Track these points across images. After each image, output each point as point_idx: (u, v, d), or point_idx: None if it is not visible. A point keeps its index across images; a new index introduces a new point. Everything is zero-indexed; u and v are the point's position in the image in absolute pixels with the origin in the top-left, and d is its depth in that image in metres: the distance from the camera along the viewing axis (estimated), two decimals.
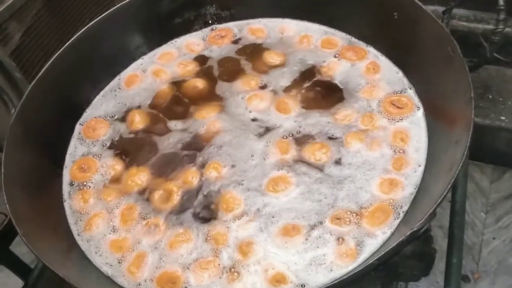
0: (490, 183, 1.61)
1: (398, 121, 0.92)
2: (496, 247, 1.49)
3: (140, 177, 0.95)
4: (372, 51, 1.05)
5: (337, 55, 1.06)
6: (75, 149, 1.03)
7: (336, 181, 0.87)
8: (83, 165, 0.99)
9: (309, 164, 0.90)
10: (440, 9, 1.19)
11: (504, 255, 1.46)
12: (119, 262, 0.85)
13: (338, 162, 0.90)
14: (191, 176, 0.92)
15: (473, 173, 1.61)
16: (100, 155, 1.01)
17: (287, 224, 0.83)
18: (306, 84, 1.03)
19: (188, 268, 0.82)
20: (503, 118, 1.47)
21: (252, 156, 0.93)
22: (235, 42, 1.15)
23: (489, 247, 1.49)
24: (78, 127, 1.06)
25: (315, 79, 1.03)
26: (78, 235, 0.91)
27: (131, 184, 0.94)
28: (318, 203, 0.85)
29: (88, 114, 1.08)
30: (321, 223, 0.82)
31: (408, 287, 1.23)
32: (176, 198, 0.90)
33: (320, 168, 0.89)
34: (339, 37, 1.09)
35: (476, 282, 1.43)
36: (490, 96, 1.50)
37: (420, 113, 0.92)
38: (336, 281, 0.73)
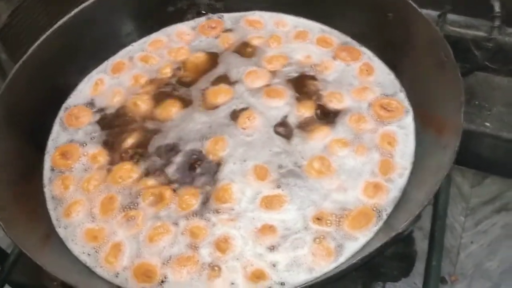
0: (470, 188, 1.63)
1: (386, 125, 0.92)
2: (473, 251, 1.50)
3: (130, 173, 0.92)
4: (366, 52, 1.04)
5: (333, 55, 1.05)
6: (57, 135, 1.01)
7: (320, 182, 0.86)
8: (65, 152, 0.97)
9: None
10: (433, 13, 1.19)
11: (481, 259, 1.48)
12: (96, 252, 0.84)
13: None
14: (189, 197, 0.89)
15: (455, 177, 1.62)
16: (84, 143, 0.99)
17: (265, 223, 0.83)
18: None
19: (167, 263, 0.81)
20: (487, 124, 1.48)
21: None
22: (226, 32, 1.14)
23: (467, 251, 1.51)
24: (61, 114, 1.04)
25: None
26: (57, 220, 0.89)
27: (118, 180, 0.92)
28: (300, 204, 0.84)
29: (72, 100, 1.06)
30: (301, 222, 0.82)
31: (386, 287, 1.24)
32: (168, 204, 0.88)
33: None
34: (335, 36, 1.08)
35: (453, 285, 1.45)
36: (477, 102, 1.51)
37: (409, 117, 0.92)
38: (316, 280, 0.73)
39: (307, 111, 0.96)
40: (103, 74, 1.09)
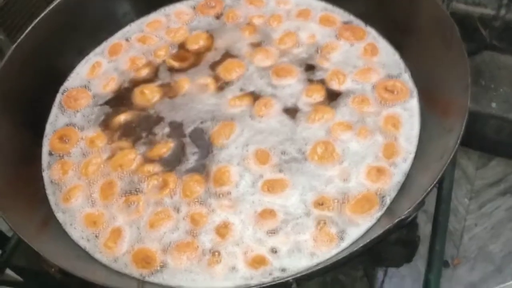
0: (475, 170, 1.61)
1: (390, 107, 0.90)
2: (477, 233, 1.50)
3: (131, 161, 0.90)
4: (370, 31, 1.01)
5: (336, 35, 1.02)
6: (56, 118, 0.99)
7: (322, 168, 0.85)
8: (63, 136, 0.96)
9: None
10: None
11: (484, 242, 1.47)
12: (96, 237, 0.83)
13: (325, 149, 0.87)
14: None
15: (460, 159, 1.61)
16: (82, 126, 0.97)
17: (265, 208, 0.81)
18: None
19: (167, 249, 0.80)
20: (493, 105, 1.46)
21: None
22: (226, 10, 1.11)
23: (470, 233, 1.50)
24: (59, 96, 1.02)
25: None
26: (56, 205, 0.88)
27: (118, 169, 0.90)
28: (302, 188, 0.83)
29: (70, 82, 1.04)
30: (302, 207, 0.81)
31: (387, 271, 1.24)
32: (172, 191, 0.86)
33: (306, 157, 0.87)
34: (338, 14, 1.05)
35: (456, 268, 1.44)
36: (483, 82, 1.49)
37: (414, 99, 0.90)
38: (317, 267, 0.72)
39: (317, 94, 0.94)
40: (100, 57, 1.07)
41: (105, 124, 0.97)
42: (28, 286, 1.08)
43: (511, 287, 1.01)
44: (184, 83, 1.00)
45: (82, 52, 1.08)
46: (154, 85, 1.01)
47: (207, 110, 0.95)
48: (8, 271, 1.02)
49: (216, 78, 0.99)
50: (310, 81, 0.96)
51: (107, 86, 1.02)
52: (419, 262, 1.12)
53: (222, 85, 0.98)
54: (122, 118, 0.97)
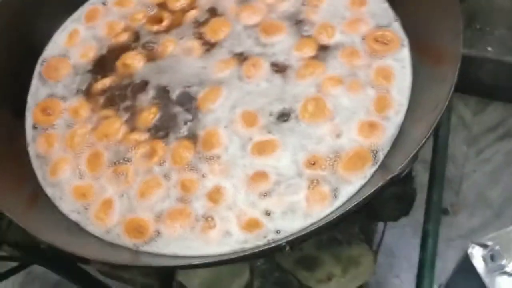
0: (473, 116, 1.59)
1: (381, 58, 0.86)
2: (476, 180, 1.49)
3: (116, 130, 0.88)
4: None
5: None
6: (37, 90, 0.96)
7: (313, 126, 0.82)
8: (46, 108, 0.93)
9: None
10: None
11: (483, 188, 1.47)
12: (86, 209, 0.82)
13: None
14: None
15: (457, 105, 1.58)
16: (65, 97, 0.94)
17: (257, 170, 0.79)
18: None
19: (159, 218, 0.78)
20: (489, 49, 1.42)
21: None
22: None
23: (469, 180, 1.50)
24: (38, 67, 0.99)
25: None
26: (44, 179, 0.87)
27: (103, 139, 0.88)
28: (293, 148, 0.81)
29: (49, 52, 1.00)
30: (294, 168, 0.79)
31: (387, 222, 1.23)
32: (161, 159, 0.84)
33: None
34: None
35: (455, 215, 1.45)
36: (478, 26, 1.44)
37: (405, 49, 0.86)
38: (311, 227, 0.71)
39: (307, 49, 0.90)
40: (77, 24, 1.03)
41: (88, 93, 0.94)
42: (25, 260, 1.08)
43: (510, 232, 1.01)
44: (168, 45, 0.96)
45: (59, 20, 1.04)
46: (135, 52, 0.97)
47: (193, 73, 0.92)
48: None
49: (202, 40, 0.95)
50: (300, 35, 0.92)
51: (87, 55, 0.98)
52: (419, 211, 1.12)
53: (208, 47, 0.94)
54: (104, 85, 0.94)
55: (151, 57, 0.96)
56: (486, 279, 0.95)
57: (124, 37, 0.99)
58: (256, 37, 0.93)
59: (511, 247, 0.97)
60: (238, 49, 0.92)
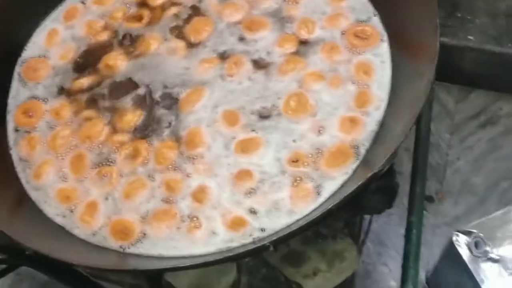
0: (455, 104, 1.60)
1: (361, 54, 0.87)
2: (460, 167, 1.51)
3: (99, 132, 0.87)
4: None
5: None
6: (17, 92, 0.95)
7: (296, 122, 0.83)
8: (28, 110, 0.92)
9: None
10: None
11: (467, 175, 1.49)
12: (71, 212, 0.82)
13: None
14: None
15: (439, 94, 1.59)
16: (46, 98, 0.93)
17: (241, 169, 0.80)
18: None
19: (144, 219, 0.79)
20: (470, 37, 1.43)
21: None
22: None
23: (453, 168, 1.52)
24: (18, 68, 0.97)
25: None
26: (27, 183, 0.86)
27: (86, 140, 0.87)
28: (276, 146, 0.81)
29: (28, 52, 0.99)
30: (278, 166, 0.79)
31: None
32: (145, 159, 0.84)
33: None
34: None
35: (440, 202, 1.47)
36: (459, 14, 1.45)
37: (384, 44, 0.86)
38: (296, 225, 0.71)
39: (289, 45, 0.90)
40: (57, 23, 1.01)
41: (69, 94, 0.93)
42: (13, 263, 1.08)
43: (495, 218, 1.03)
44: (151, 43, 0.95)
45: (37, 19, 1.02)
46: (117, 52, 0.96)
47: (176, 73, 0.91)
48: None
49: (184, 39, 0.95)
50: (283, 32, 0.92)
51: (66, 56, 0.97)
52: (405, 199, 1.13)
53: (191, 47, 0.94)
54: (83, 84, 0.93)
55: (133, 56, 0.95)
56: (470, 266, 0.97)
57: (104, 36, 0.98)
58: (240, 34, 0.93)
59: (495, 234, 0.99)
60: (222, 48, 0.92)
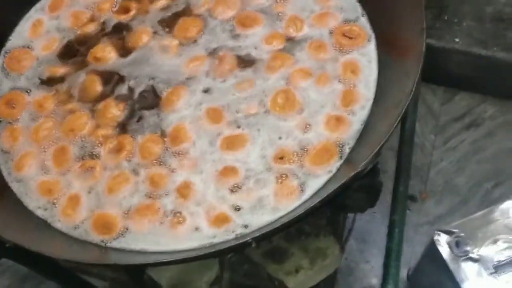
0: (441, 105, 1.61)
1: (348, 53, 0.87)
2: (443, 168, 1.52)
3: (83, 125, 0.86)
4: None
5: None
6: (0, 83, 0.94)
7: (282, 119, 0.83)
8: (10, 101, 0.91)
9: None
10: None
11: (450, 175, 1.50)
12: (53, 205, 0.81)
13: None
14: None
15: (425, 95, 1.60)
16: (29, 89, 0.92)
17: (227, 165, 0.79)
18: None
19: (127, 214, 0.78)
20: (457, 40, 1.44)
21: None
22: None
23: (436, 168, 1.53)
24: (1, 58, 0.96)
25: None
26: (9, 174, 0.85)
27: (69, 134, 0.86)
28: (262, 143, 0.81)
29: (12, 42, 0.98)
30: (263, 163, 0.79)
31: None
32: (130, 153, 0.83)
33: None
34: None
35: (423, 202, 1.48)
36: (446, 17, 1.46)
37: (371, 44, 0.87)
38: (279, 222, 0.71)
39: (276, 41, 0.90)
40: (41, 14, 1.00)
41: (53, 86, 0.92)
42: None
43: (476, 218, 1.04)
44: (139, 37, 0.94)
45: (23, 9, 1.01)
46: (104, 44, 0.95)
47: (163, 70, 0.90)
48: None
49: (175, 36, 0.94)
50: (272, 28, 0.92)
51: (50, 47, 0.95)
52: (389, 197, 1.14)
53: (180, 44, 0.93)
54: (70, 77, 0.92)
55: (121, 49, 0.94)
56: (451, 265, 0.98)
57: (91, 28, 0.97)
58: (231, 30, 0.93)
59: (476, 234, 1.00)
60: (213, 45, 0.92)
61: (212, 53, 0.91)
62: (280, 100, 0.84)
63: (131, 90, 0.89)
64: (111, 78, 0.91)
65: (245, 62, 0.89)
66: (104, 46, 0.94)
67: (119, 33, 0.96)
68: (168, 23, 0.95)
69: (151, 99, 0.87)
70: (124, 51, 0.94)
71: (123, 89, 0.90)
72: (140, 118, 0.86)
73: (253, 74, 0.87)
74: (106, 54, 0.93)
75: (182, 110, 0.85)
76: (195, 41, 0.93)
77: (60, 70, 0.93)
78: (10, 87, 0.93)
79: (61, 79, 0.92)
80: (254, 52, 0.90)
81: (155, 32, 0.95)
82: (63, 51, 0.95)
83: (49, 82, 0.92)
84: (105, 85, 0.90)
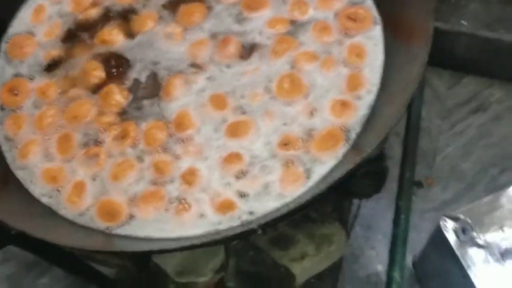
0: (447, 89, 1.60)
1: (353, 37, 0.85)
2: (449, 153, 1.51)
3: (86, 112, 0.86)
4: None
5: None
6: (2, 70, 0.93)
7: (285, 103, 0.82)
8: (13, 88, 0.90)
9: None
10: None
11: (456, 161, 1.49)
12: (58, 192, 0.80)
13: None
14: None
15: (431, 79, 1.59)
16: (32, 76, 0.91)
17: (231, 152, 0.79)
18: None
19: (132, 201, 0.78)
20: (463, 22, 1.42)
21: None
22: None
23: (443, 153, 1.52)
24: (3, 45, 0.95)
25: None
26: (13, 162, 0.85)
27: (73, 120, 0.86)
28: (266, 129, 0.80)
29: (14, 28, 0.97)
30: (268, 149, 0.78)
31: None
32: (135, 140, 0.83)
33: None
34: None
35: (429, 188, 1.47)
36: (452, 0, 1.44)
37: (377, 27, 0.85)
38: (284, 209, 0.71)
39: (280, 25, 0.89)
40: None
41: (56, 72, 0.91)
42: None
43: (482, 204, 1.04)
44: (144, 21, 0.93)
45: None
46: (111, 27, 0.93)
47: (167, 57, 0.89)
48: None
49: (178, 21, 0.93)
50: (277, 12, 0.90)
51: (53, 33, 0.94)
52: (394, 183, 1.13)
53: (184, 30, 0.92)
54: (73, 63, 0.91)
55: (127, 32, 0.93)
56: (457, 251, 0.98)
57: (92, 12, 0.96)
58: (238, 14, 0.91)
59: (482, 220, 1.00)
60: (217, 29, 0.90)
61: (216, 37, 0.90)
62: (285, 84, 0.83)
63: (134, 76, 0.88)
64: (115, 63, 0.90)
65: (249, 47, 0.87)
66: (111, 29, 0.93)
67: (124, 17, 0.95)
68: (172, 8, 0.94)
69: (152, 87, 0.87)
70: (130, 34, 0.93)
71: (126, 75, 0.89)
72: (142, 106, 0.85)
73: (258, 60, 0.86)
74: (114, 37, 0.92)
75: (182, 98, 0.84)
76: (199, 26, 0.92)
77: (63, 55, 0.92)
78: (12, 74, 0.92)
79: (64, 65, 0.91)
80: (258, 37, 0.88)
81: (160, 17, 0.94)
82: (66, 36, 0.94)
83: (52, 68, 0.91)
84: (108, 71, 0.90)
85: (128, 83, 0.88)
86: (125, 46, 0.92)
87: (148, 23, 0.93)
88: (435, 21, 0.72)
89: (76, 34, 0.95)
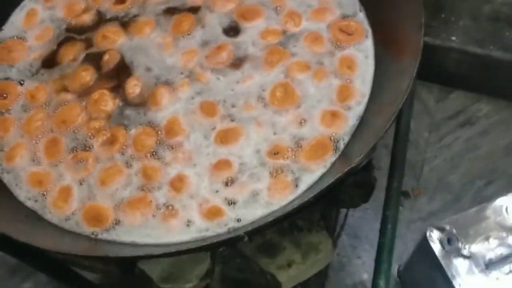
0: (436, 103, 1.62)
1: (345, 49, 0.86)
2: (437, 165, 1.52)
3: (75, 117, 0.85)
4: None
5: None
6: None
7: (277, 112, 0.82)
8: (1, 91, 0.90)
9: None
10: None
11: (444, 173, 1.50)
12: (44, 196, 0.80)
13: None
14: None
15: (420, 93, 1.61)
16: (21, 80, 0.91)
17: (221, 159, 0.79)
18: None
19: (119, 206, 0.77)
20: (453, 38, 1.44)
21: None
22: None
23: (430, 165, 1.53)
24: None
25: None
26: None
27: (61, 125, 0.85)
28: (256, 137, 0.80)
29: (5, 32, 0.96)
30: (257, 157, 0.79)
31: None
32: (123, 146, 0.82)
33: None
34: None
35: (416, 198, 1.48)
36: (443, 15, 1.46)
37: (369, 40, 0.86)
38: (270, 217, 0.71)
39: (272, 37, 0.90)
40: (35, 3, 0.99)
41: (46, 76, 0.91)
42: None
43: (468, 215, 1.04)
44: (139, 29, 0.94)
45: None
46: (112, 27, 0.94)
47: (160, 66, 0.90)
48: None
49: (170, 31, 0.93)
50: (270, 22, 0.91)
51: (43, 37, 0.94)
52: (382, 194, 1.14)
53: (176, 40, 0.92)
54: (63, 67, 0.91)
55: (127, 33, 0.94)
56: (442, 261, 0.98)
57: (85, 18, 0.96)
58: (230, 23, 0.92)
59: (468, 231, 1.00)
60: (208, 38, 0.91)
61: (208, 45, 0.90)
62: (279, 93, 0.84)
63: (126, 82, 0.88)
64: (109, 67, 0.90)
65: (242, 57, 0.88)
66: (109, 28, 0.94)
67: (120, 21, 0.95)
68: (166, 16, 0.94)
69: (142, 94, 0.87)
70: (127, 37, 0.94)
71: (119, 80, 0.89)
72: (132, 112, 0.85)
73: (251, 69, 0.86)
74: (114, 36, 0.93)
75: (170, 107, 0.85)
76: (191, 35, 0.92)
77: (53, 58, 0.92)
78: (1, 77, 0.92)
79: (54, 68, 0.91)
80: (251, 48, 0.89)
81: (157, 23, 0.94)
82: (58, 39, 0.94)
83: (42, 71, 0.91)
84: (99, 75, 0.89)
85: (119, 89, 0.88)
86: (124, 44, 0.92)
87: (145, 29, 0.94)
88: (426, 36, 0.73)
89: (69, 37, 0.95)
